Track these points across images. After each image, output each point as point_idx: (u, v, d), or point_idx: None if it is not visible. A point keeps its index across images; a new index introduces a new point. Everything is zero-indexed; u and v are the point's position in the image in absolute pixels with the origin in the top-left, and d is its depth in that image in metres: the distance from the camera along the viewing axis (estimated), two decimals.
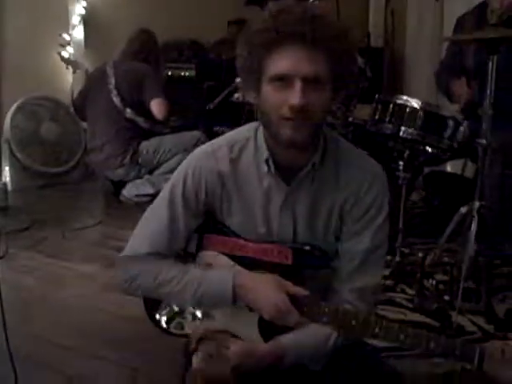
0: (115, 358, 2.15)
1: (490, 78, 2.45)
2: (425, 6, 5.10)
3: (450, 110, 2.96)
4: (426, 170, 3.50)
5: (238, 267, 1.52)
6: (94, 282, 2.88)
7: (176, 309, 1.58)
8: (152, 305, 1.62)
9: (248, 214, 1.54)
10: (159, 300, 1.59)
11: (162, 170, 4.18)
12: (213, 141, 1.61)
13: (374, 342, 1.81)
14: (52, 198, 4.49)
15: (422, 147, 2.83)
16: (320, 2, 3.11)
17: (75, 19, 5.21)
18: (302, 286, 1.44)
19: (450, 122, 2.75)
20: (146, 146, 4.20)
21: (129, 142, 4.17)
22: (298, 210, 1.52)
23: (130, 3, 5.35)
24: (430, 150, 2.84)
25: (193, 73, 5.09)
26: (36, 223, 3.74)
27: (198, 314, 1.55)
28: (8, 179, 4.60)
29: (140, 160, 4.18)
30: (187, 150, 3.99)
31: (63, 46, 5.05)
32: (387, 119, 2.80)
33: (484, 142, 2.49)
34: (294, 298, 1.40)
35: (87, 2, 5.25)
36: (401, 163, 2.90)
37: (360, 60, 2.90)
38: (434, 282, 2.68)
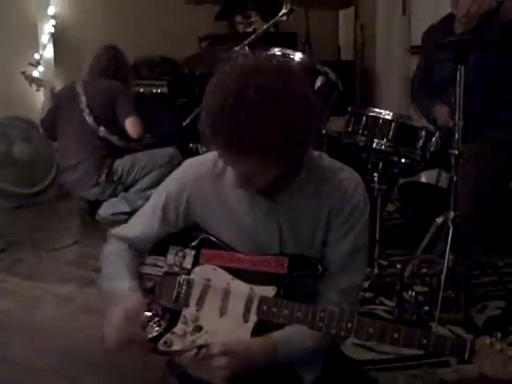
0: (92, 382, 2.12)
1: (458, 87, 2.49)
2: (393, 19, 5.17)
3: (422, 121, 2.99)
4: (401, 180, 3.53)
5: (132, 295, 1.55)
6: (70, 303, 2.85)
7: (163, 325, 1.57)
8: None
9: (234, 229, 1.58)
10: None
11: (137, 187, 4.14)
12: (200, 156, 1.69)
13: (355, 355, 1.85)
14: (26, 219, 4.45)
15: (395, 158, 2.86)
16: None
17: (45, 38, 5.17)
18: (296, 294, 1.49)
19: (422, 133, 2.78)
20: (121, 163, 4.16)
21: (103, 160, 4.13)
22: (283, 222, 1.56)
23: (99, 21, 5.32)
24: (403, 160, 2.87)
25: (165, 89, 5.08)
26: (11, 245, 3.69)
27: (189, 328, 1.54)
28: None
29: (115, 178, 4.15)
30: (162, 167, 4.02)
31: (33, 65, 4.99)
32: (360, 131, 2.84)
33: (456, 152, 2.52)
34: None
35: (56, 21, 5.22)
36: (375, 175, 2.93)
37: (332, 74, 2.92)
38: (414, 294, 2.69)
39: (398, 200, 3.75)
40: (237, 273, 1.55)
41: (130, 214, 1.80)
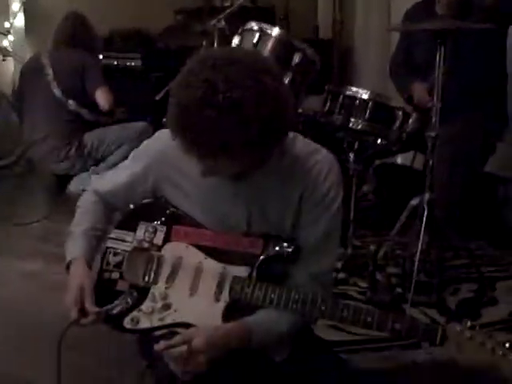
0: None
1: (437, 69, 2.46)
2: None
3: (400, 101, 2.97)
4: (377, 162, 3.52)
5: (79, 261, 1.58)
6: (37, 280, 2.79)
7: (130, 302, 1.53)
8: (102, 300, 1.55)
9: (201, 205, 1.56)
10: (111, 294, 1.57)
11: (107, 162, 4.06)
12: None
13: (326, 336, 1.84)
14: None
15: (371, 139, 2.84)
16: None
17: (15, 6, 5.05)
18: (269, 275, 1.48)
19: (399, 114, 2.77)
20: (91, 137, 4.09)
21: (73, 134, 4.06)
22: (251, 201, 1.53)
23: None
24: (379, 141, 2.85)
25: (139, 63, 4.98)
26: None
27: (157, 305, 1.51)
28: None
29: (85, 152, 4.07)
30: (132, 141, 3.91)
31: (3, 34, 4.88)
32: (337, 110, 2.81)
33: (433, 134, 2.50)
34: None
35: None
36: (351, 155, 2.91)
37: (310, 50, 2.86)
38: (387, 275, 2.69)
39: (373, 181, 3.75)
40: (209, 251, 1.53)
41: None
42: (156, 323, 1.50)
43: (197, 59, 1.34)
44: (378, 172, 3.58)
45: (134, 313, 1.52)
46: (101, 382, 2.08)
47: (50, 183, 4.37)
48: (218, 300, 1.47)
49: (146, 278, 1.55)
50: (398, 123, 2.76)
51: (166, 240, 1.58)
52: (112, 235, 1.64)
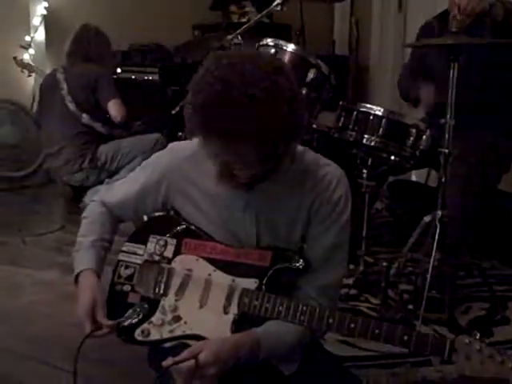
0: (70, 368, 2.09)
1: (451, 85, 2.47)
2: (388, 15, 5.15)
3: (414, 118, 2.97)
4: (391, 178, 3.51)
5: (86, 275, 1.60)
6: (52, 290, 2.81)
7: (141, 314, 1.55)
8: (114, 312, 1.58)
9: (211, 217, 1.58)
10: (123, 307, 1.58)
11: (121, 174, 4.07)
12: (184, 142, 1.70)
13: (337, 351, 1.84)
14: (12, 203, 4.41)
15: (385, 155, 2.84)
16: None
17: (36, 20, 5.11)
18: (277, 288, 1.48)
19: (413, 131, 2.76)
20: (105, 149, 4.13)
21: (86, 146, 4.10)
22: (261, 213, 1.54)
23: (92, 3, 5.27)
24: (392, 157, 2.85)
25: (156, 77, 5.03)
26: None
27: (167, 317, 1.52)
28: None
29: (99, 164, 4.11)
30: (146, 153, 3.92)
31: (24, 47, 4.94)
32: (351, 126, 2.80)
33: (446, 150, 2.50)
34: None
35: (49, 3, 5.15)
36: (364, 171, 2.91)
37: (324, 67, 2.89)
38: (399, 292, 2.68)
39: (386, 198, 3.74)
40: (219, 264, 1.54)
41: None
42: (166, 335, 1.51)
43: (212, 59, 1.36)
44: (392, 189, 3.57)
45: (145, 325, 1.54)
46: None
47: (65, 195, 4.42)
48: (226, 312, 1.48)
49: (157, 291, 1.57)
50: (411, 140, 2.75)
51: (177, 253, 1.59)
52: (124, 248, 1.66)
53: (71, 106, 4.09)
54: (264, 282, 1.49)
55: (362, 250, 2.91)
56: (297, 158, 1.54)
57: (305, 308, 1.42)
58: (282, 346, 1.49)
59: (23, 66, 4.72)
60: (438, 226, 2.48)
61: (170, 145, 1.70)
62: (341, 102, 2.91)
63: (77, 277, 1.63)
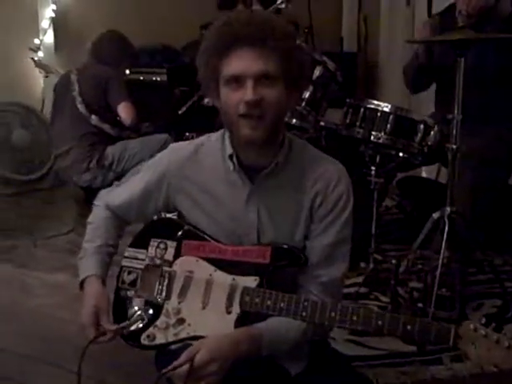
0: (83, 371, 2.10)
1: (458, 80, 2.45)
2: (396, 11, 5.12)
3: (421, 114, 2.95)
4: (400, 175, 3.49)
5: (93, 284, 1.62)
6: (63, 292, 2.82)
7: (146, 319, 1.55)
8: (119, 317, 1.59)
9: (212, 215, 1.58)
10: (127, 312, 1.60)
11: (128, 176, 4.08)
12: (185, 142, 1.71)
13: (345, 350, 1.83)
14: (23, 206, 4.43)
15: (393, 152, 2.82)
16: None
17: (45, 23, 5.15)
18: (278, 284, 1.47)
19: (421, 127, 2.74)
20: (112, 150, 4.13)
21: (94, 146, 4.11)
22: (262, 209, 1.55)
23: (100, 6, 5.28)
24: (401, 154, 2.83)
25: (165, 78, 5.03)
26: (6, 231, 3.66)
27: (172, 320, 1.53)
28: None
29: (106, 164, 4.11)
30: (153, 154, 3.92)
31: (33, 50, 4.97)
32: (358, 123, 2.79)
33: (454, 146, 2.48)
34: None
35: (57, 6, 5.18)
36: (373, 168, 2.89)
37: (331, 64, 2.88)
38: (408, 290, 2.66)
39: (396, 195, 3.72)
40: (219, 264, 1.54)
41: None
42: (171, 338, 1.51)
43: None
44: (402, 185, 3.55)
45: (150, 329, 1.54)
46: None
47: (76, 197, 4.44)
48: (229, 312, 1.48)
49: (160, 294, 1.57)
50: (419, 136, 2.74)
51: (177, 255, 1.59)
52: (126, 254, 1.67)
53: (81, 107, 4.11)
54: (264, 278, 1.48)
55: (371, 247, 2.90)
56: (296, 154, 1.56)
57: (306, 303, 1.41)
58: (284, 341, 1.49)
59: (41, 66, 4.78)
60: (447, 222, 2.46)
61: (171, 145, 1.72)
62: (348, 99, 2.90)
63: (82, 283, 1.64)
